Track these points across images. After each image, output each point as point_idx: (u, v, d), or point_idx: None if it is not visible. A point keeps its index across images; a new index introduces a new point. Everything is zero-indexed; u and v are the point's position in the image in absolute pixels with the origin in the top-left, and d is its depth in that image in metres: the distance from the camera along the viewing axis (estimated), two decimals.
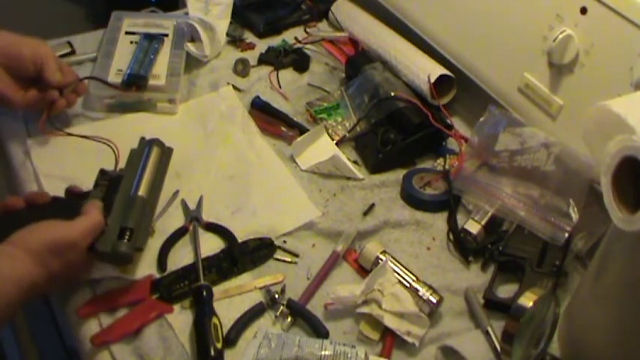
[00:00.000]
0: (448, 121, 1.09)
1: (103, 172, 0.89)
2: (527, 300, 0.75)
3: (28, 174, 0.98)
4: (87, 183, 0.95)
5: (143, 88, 1.09)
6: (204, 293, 0.82)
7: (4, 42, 0.96)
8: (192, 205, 0.95)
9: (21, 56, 0.96)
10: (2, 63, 0.95)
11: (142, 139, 0.94)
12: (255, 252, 0.90)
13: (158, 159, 0.93)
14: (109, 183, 0.87)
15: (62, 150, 1.01)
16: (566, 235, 0.88)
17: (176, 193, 0.97)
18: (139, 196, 0.86)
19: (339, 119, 1.13)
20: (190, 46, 1.19)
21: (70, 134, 1.03)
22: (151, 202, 0.88)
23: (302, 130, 1.09)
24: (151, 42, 1.17)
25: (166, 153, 0.95)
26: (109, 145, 1.00)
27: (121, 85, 1.08)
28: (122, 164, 0.93)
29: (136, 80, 1.08)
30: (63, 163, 0.99)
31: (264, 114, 1.12)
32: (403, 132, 1.06)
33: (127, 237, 0.80)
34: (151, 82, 1.10)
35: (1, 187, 1.18)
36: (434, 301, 0.84)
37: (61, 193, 0.88)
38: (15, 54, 0.96)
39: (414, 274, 0.87)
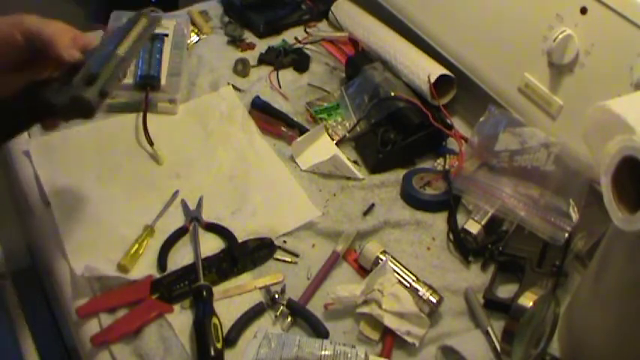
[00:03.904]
0: (448, 121, 1.09)
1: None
2: (527, 300, 0.75)
3: (28, 174, 0.98)
4: (86, 182, 0.95)
5: (157, 88, 1.09)
6: (204, 293, 0.82)
7: None
8: (192, 205, 0.95)
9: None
10: None
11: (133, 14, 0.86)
12: (255, 252, 0.90)
13: (143, 27, 0.85)
14: (88, 53, 0.78)
15: (62, 149, 1.01)
16: (566, 235, 0.88)
17: (176, 193, 0.97)
18: (116, 53, 0.78)
19: (339, 119, 1.13)
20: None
21: None
22: (126, 61, 0.80)
23: (302, 130, 1.09)
24: (153, 42, 1.16)
25: (152, 21, 0.87)
26: None
27: (134, 86, 1.08)
28: None
29: (149, 81, 1.08)
30: (63, 162, 0.99)
31: (264, 114, 1.12)
32: (403, 132, 1.06)
33: (90, 84, 0.73)
34: None
35: (1, 186, 1.19)
36: (434, 301, 0.84)
37: (61, 193, 0.88)
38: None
39: (414, 274, 0.87)
